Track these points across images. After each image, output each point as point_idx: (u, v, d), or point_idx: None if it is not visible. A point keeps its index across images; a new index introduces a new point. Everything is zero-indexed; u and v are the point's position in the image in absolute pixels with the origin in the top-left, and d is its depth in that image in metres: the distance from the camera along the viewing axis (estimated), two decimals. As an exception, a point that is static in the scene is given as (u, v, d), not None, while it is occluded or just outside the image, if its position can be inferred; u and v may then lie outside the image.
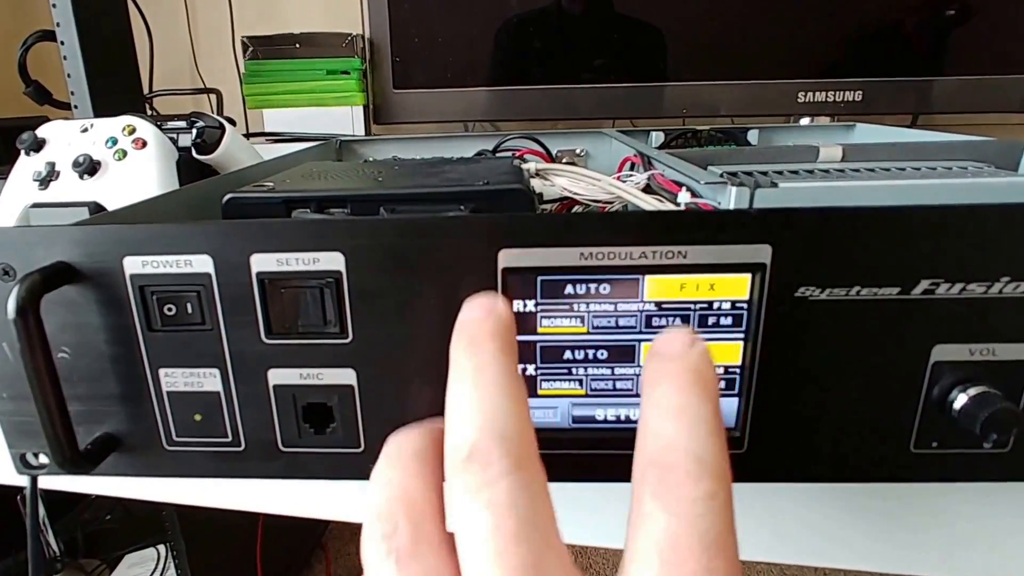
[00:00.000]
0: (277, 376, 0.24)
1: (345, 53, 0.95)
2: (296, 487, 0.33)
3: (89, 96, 0.68)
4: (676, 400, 0.17)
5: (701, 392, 0.17)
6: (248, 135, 0.99)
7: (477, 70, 0.91)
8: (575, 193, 0.41)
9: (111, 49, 0.71)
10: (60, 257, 0.23)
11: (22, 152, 0.46)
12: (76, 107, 0.68)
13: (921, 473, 0.24)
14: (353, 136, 0.92)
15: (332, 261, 0.22)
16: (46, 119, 0.48)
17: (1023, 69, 0.83)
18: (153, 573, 1.16)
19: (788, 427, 0.24)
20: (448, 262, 0.22)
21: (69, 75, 0.68)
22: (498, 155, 0.59)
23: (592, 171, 0.42)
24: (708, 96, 0.88)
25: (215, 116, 0.51)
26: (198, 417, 0.25)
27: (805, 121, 0.88)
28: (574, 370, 0.23)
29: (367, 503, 0.17)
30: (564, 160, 0.63)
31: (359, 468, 0.25)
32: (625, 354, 0.23)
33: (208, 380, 0.24)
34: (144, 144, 0.45)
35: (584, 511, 0.30)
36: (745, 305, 0.22)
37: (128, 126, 0.46)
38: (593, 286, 0.22)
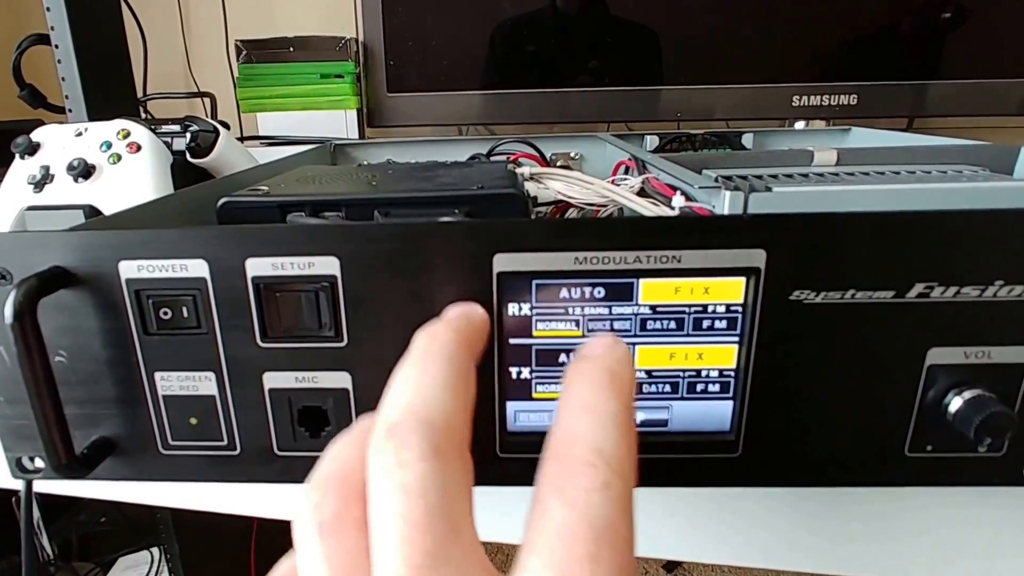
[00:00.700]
0: (272, 380, 0.24)
1: (339, 57, 0.95)
2: (291, 491, 0.33)
3: (83, 100, 0.67)
4: (588, 398, 0.17)
5: (613, 390, 0.17)
6: (242, 139, 0.99)
7: (471, 73, 0.91)
8: (569, 197, 0.41)
9: (105, 53, 0.71)
10: (56, 262, 0.23)
11: (16, 156, 0.46)
12: (70, 111, 0.68)
13: (916, 477, 0.24)
14: (347, 140, 0.91)
15: (327, 265, 0.22)
16: (40, 123, 0.48)
17: (1018, 73, 0.84)
18: (147, 576, 1.15)
19: (783, 431, 0.24)
20: (443, 266, 0.22)
21: (63, 79, 0.67)
22: (492, 159, 0.59)
23: (586, 175, 0.42)
24: (703, 100, 0.89)
25: (209, 120, 0.51)
26: (193, 421, 0.25)
27: (800, 125, 0.88)
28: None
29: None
30: (558, 164, 0.63)
31: (355, 472, 0.25)
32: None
33: (203, 384, 0.24)
34: (138, 148, 0.45)
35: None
36: (740, 309, 0.22)
37: (122, 130, 0.46)
38: (588, 290, 0.22)
